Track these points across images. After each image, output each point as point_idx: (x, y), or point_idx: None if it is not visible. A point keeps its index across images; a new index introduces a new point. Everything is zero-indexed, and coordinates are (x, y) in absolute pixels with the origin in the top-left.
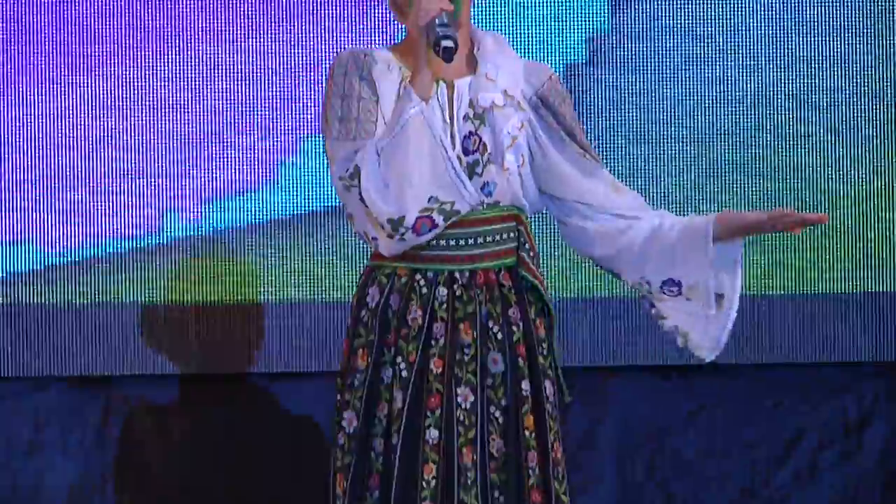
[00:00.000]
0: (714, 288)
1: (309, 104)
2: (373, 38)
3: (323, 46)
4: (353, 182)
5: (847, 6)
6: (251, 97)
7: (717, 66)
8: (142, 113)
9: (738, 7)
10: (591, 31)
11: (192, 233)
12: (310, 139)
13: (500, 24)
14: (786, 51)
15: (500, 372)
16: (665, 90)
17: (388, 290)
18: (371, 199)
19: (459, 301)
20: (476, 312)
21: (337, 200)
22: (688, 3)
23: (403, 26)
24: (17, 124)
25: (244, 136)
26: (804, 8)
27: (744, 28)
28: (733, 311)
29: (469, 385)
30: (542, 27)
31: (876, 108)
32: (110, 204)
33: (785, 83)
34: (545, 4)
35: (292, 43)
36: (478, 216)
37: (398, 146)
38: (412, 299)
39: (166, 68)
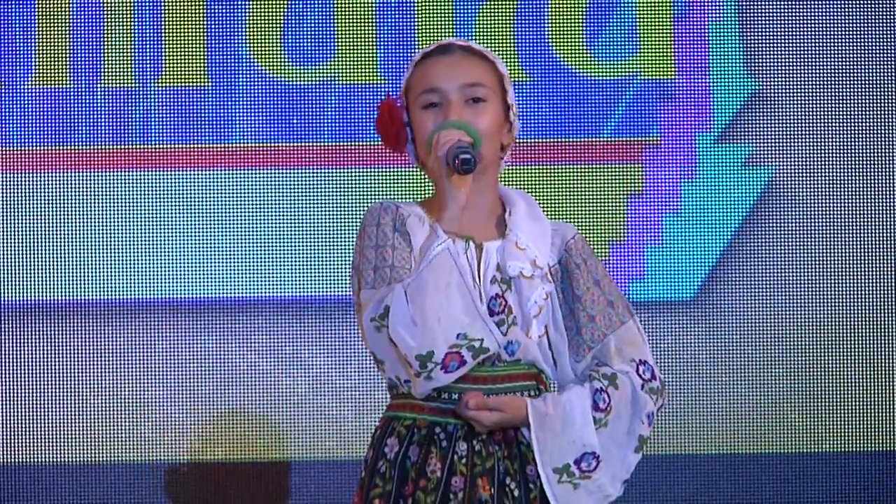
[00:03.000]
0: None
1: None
2: None
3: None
4: (383, 322)
5: None
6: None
7: None
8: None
9: None
10: None
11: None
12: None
13: None
14: None
15: None
16: None
17: (408, 442)
18: (399, 335)
19: (479, 456)
20: (494, 468)
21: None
22: None
23: (430, 181)
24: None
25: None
26: None
27: None
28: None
29: None
30: None
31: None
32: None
33: None
34: None
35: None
36: (499, 373)
37: (426, 282)
38: (432, 452)
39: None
